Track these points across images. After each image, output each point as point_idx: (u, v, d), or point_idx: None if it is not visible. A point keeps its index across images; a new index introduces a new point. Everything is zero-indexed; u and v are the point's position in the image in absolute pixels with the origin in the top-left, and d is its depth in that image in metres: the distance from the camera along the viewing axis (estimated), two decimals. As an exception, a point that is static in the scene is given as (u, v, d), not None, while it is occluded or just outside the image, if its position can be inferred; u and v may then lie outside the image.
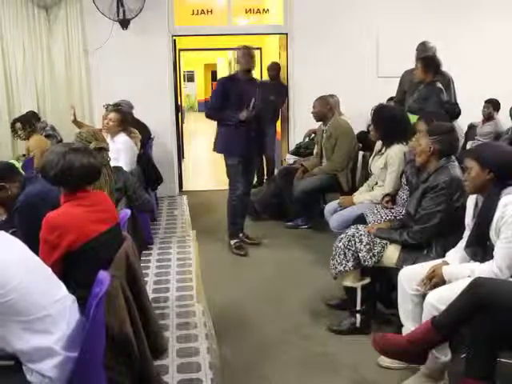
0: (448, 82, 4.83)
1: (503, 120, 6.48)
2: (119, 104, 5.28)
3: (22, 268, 1.74)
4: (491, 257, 2.38)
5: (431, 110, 4.27)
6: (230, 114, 4.33)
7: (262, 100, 4.52)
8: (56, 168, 2.21)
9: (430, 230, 2.87)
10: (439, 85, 4.61)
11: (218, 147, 4.58)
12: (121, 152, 4.55)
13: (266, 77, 7.43)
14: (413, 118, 4.31)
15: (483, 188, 2.45)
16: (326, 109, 4.98)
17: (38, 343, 1.74)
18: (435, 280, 2.50)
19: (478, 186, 2.47)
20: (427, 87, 4.58)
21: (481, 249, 2.47)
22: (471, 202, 2.60)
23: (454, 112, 4.85)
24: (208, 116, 4.56)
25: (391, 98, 5.38)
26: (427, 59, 4.69)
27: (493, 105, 6.56)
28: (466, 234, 2.62)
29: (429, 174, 2.93)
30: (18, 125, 5.20)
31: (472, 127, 6.76)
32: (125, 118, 4.81)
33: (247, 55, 4.36)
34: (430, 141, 2.88)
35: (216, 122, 4.61)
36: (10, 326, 1.69)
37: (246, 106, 4.29)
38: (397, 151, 3.75)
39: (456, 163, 2.93)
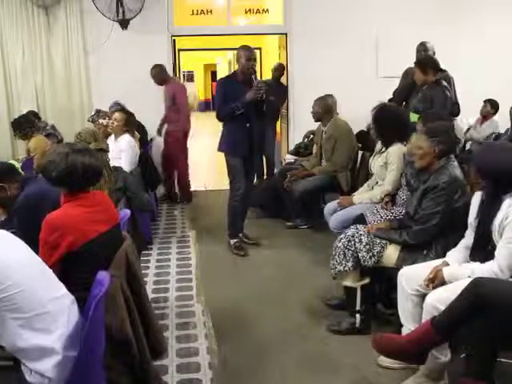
0: (449, 81, 4.84)
1: (502, 120, 6.47)
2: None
3: (22, 265, 1.74)
4: (493, 257, 2.38)
5: (435, 111, 4.27)
6: (234, 103, 4.28)
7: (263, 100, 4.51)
8: (58, 169, 2.21)
9: (430, 230, 2.87)
10: (444, 83, 4.61)
11: (222, 147, 4.57)
12: (122, 152, 4.57)
13: (266, 76, 7.43)
14: (413, 118, 4.31)
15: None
16: (325, 109, 4.98)
17: (37, 341, 1.74)
18: (436, 282, 2.49)
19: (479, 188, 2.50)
20: (432, 87, 4.57)
21: (482, 249, 2.48)
22: (476, 199, 2.58)
23: (458, 111, 4.87)
24: (220, 118, 4.49)
25: (392, 100, 5.37)
26: (422, 61, 4.69)
27: (490, 104, 6.56)
28: (468, 232, 2.62)
29: (429, 174, 2.92)
30: (20, 124, 5.19)
31: (471, 127, 6.76)
32: (130, 120, 4.83)
33: (250, 59, 4.32)
34: (433, 142, 2.86)
35: (222, 124, 4.59)
36: (7, 323, 1.70)
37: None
38: (396, 150, 3.76)
39: (456, 163, 2.92)
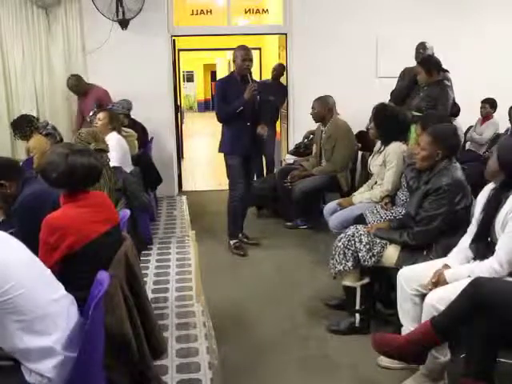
0: (449, 81, 4.85)
1: (502, 120, 6.47)
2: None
3: (21, 267, 1.74)
4: (492, 252, 2.38)
5: (435, 112, 4.27)
6: (233, 102, 4.31)
7: (261, 100, 4.51)
8: (57, 170, 2.20)
9: (431, 232, 2.86)
10: (447, 82, 4.62)
11: (222, 147, 4.59)
12: (112, 151, 4.52)
13: (266, 76, 7.41)
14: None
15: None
16: (325, 109, 4.97)
17: (37, 343, 1.73)
18: (439, 286, 2.48)
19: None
20: (435, 85, 4.57)
21: (482, 241, 2.47)
22: (484, 194, 2.57)
23: (457, 111, 4.88)
24: (221, 119, 4.50)
25: (390, 101, 5.36)
26: (426, 61, 4.69)
27: (489, 104, 6.55)
28: (470, 229, 2.62)
29: (430, 175, 2.91)
30: (20, 124, 5.18)
31: (471, 127, 6.76)
32: (114, 117, 4.78)
33: (245, 60, 4.33)
34: (438, 146, 2.85)
35: (221, 125, 4.60)
36: (8, 326, 1.69)
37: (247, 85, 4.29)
38: (395, 148, 3.77)
39: (457, 164, 2.92)
